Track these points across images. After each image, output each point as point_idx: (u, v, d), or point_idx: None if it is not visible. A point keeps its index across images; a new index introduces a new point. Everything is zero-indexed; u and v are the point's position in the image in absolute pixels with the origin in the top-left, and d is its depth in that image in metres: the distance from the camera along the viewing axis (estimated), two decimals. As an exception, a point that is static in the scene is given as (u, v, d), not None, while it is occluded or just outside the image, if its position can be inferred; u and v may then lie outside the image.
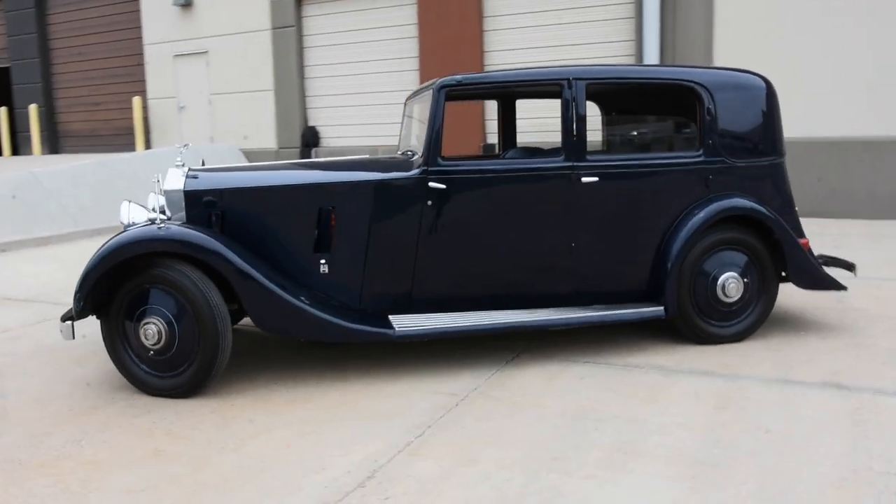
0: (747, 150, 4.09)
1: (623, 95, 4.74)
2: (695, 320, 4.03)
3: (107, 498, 2.57)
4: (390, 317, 3.82)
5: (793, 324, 4.46)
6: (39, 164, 11.15)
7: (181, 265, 3.43)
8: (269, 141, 13.50)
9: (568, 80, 3.83)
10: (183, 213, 3.84)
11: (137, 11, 14.39)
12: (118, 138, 15.09)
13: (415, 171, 3.79)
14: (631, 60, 10.25)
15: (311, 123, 13.29)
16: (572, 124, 3.84)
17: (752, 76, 4.19)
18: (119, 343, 3.55)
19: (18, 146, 16.26)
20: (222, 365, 3.49)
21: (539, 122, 11.26)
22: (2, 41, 16.35)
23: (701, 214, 3.94)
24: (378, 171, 3.89)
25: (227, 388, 3.63)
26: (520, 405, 3.31)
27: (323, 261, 3.84)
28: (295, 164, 4.42)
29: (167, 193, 3.89)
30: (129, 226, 3.64)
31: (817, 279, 4.17)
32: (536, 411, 3.23)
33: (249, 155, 13.43)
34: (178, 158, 4.03)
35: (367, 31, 12.38)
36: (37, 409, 3.46)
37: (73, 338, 3.50)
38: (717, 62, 9.65)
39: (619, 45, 10.44)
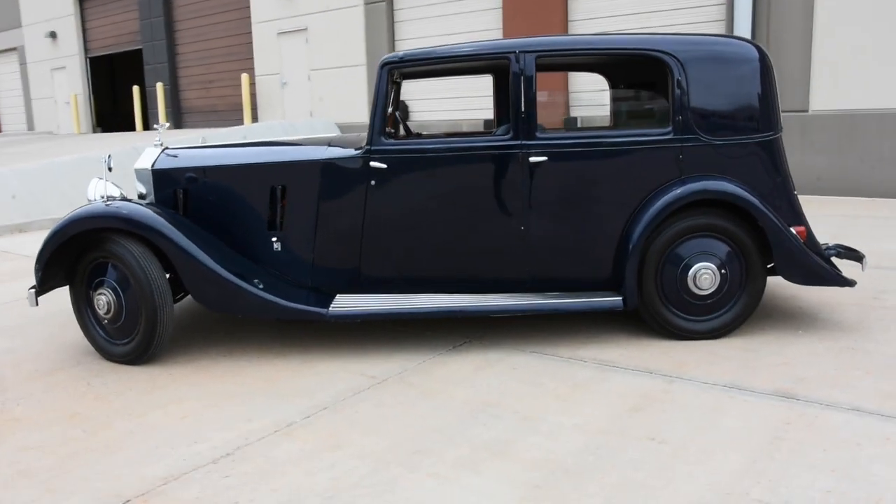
0: (728, 126, 3.66)
1: (593, 69, 4.39)
2: (662, 313, 3.70)
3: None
4: (337, 296, 3.83)
5: (799, 320, 3.99)
6: (149, 139, 12.10)
7: (127, 240, 3.61)
8: (362, 115, 13.78)
9: (515, 52, 3.60)
10: (152, 191, 4.04)
11: (247, -8, 15.11)
12: (232, 113, 16.02)
13: (358, 151, 3.74)
14: (721, 26, 9.46)
15: (400, 98, 13.40)
16: (520, 100, 3.61)
17: (740, 44, 3.73)
18: (83, 311, 3.82)
19: (148, 122, 17.70)
20: (164, 336, 3.66)
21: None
22: (136, 25, 17.77)
23: (665, 197, 3.59)
24: (329, 150, 3.87)
25: (179, 358, 3.80)
26: (429, 393, 3.22)
27: (275, 239, 3.90)
28: (264, 142, 4.48)
29: (137, 171, 4.10)
30: (109, 197, 3.87)
31: (811, 273, 3.69)
32: (440, 401, 3.12)
33: (346, 128, 13.79)
34: (157, 138, 4.23)
35: (453, 3, 12.27)
36: (10, 367, 3.80)
37: (37, 304, 3.80)
38: (820, 24, 8.71)
39: (709, 10, 9.64)
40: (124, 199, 3.90)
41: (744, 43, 3.74)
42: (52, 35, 19.77)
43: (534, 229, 3.69)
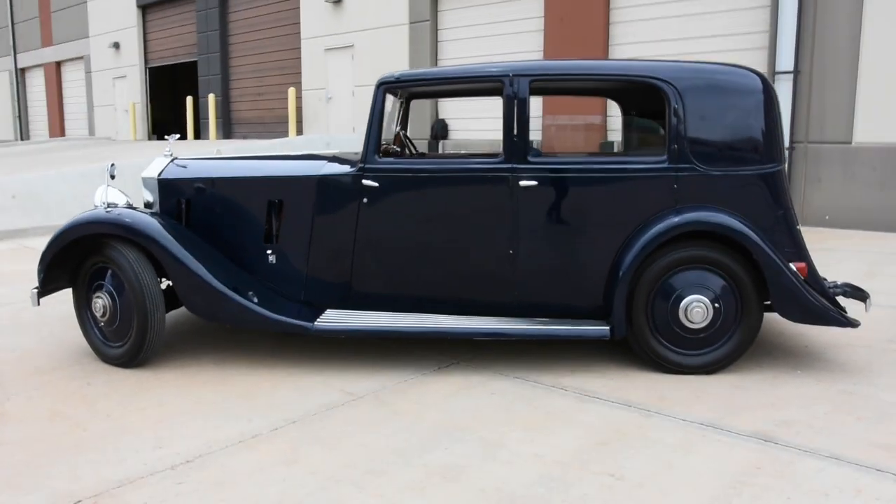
0: (727, 157, 3.56)
1: (592, 94, 4.32)
2: (652, 345, 3.61)
3: (-25, 447, 2.89)
4: (327, 311, 3.86)
5: (800, 359, 3.84)
6: (199, 147, 12.46)
7: (124, 247, 3.71)
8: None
9: (508, 76, 3.58)
10: (158, 200, 4.15)
11: (298, 8, 15.49)
12: (278, 125, 16.38)
13: (352, 168, 3.78)
14: (764, 53, 9.27)
15: (441, 116, 13.50)
16: (512, 123, 3.59)
17: (743, 73, 3.64)
18: (83, 313, 3.94)
19: (200, 131, 18.24)
20: (154, 341, 3.73)
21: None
22: (193, 38, 18.38)
23: (657, 227, 3.51)
24: (325, 166, 3.92)
25: (171, 363, 3.87)
26: (400, 413, 3.20)
27: (270, 251, 3.96)
28: (271, 156, 4.57)
29: (144, 180, 4.23)
30: (110, 204, 3.98)
31: (810, 312, 3.54)
32: (409, 422, 3.10)
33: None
34: (167, 149, 4.35)
35: (495, 24, 12.33)
36: (12, 365, 3.94)
37: (38, 304, 3.93)
38: (866, 55, 8.45)
39: (753, 38, 9.46)
40: (129, 206, 4.02)
41: (747, 72, 3.65)
42: (116, 46, 20.61)
43: (523, 254, 3.65)
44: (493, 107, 12.88)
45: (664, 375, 3.62)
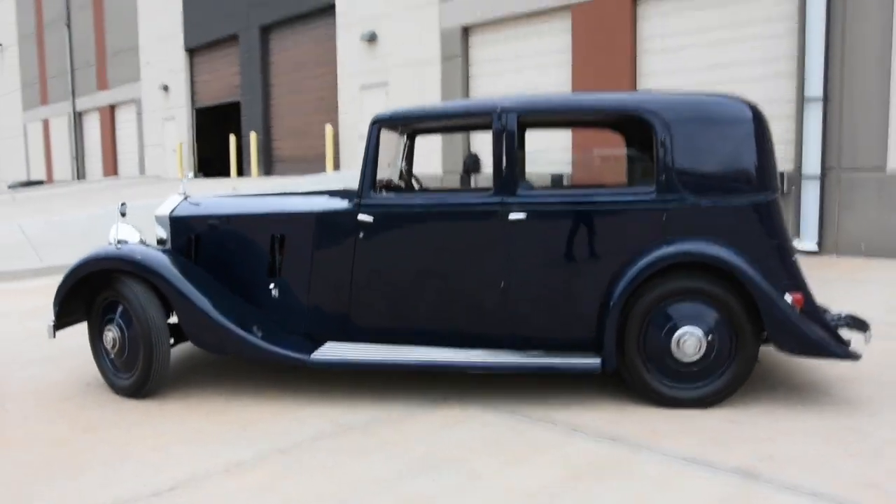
0: (717, 188, 3.56)
1: (584, 127, 4.36)
2: (645, 378, 3.59)
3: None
4: (328, 343, 3.95)
5: (805, 393, 3.76)
6: (246, 183, 12.87)
7: (133, 282, 3.89)
8: (435, 166, 14.11)
9: (497, 111, 3.67)
10: (169, 237, 4.34)
11: (335, 48, 15.96)
12: (318, 162, 16.78)
13: (349, 204, 3.89)
14: (793, 80, 9.16)
15: (473, 150, 13.65)
16: (501, 158, 3.66)
17: (732, 103, 3.65)
18: (96, 344, 4.11)
19: (242, 169, 18.81)
20: (159, 373, 3.88)
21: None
22: (237, 79, 19.07)
23: (645, 259, 3.51)
24: (325, 202, 4.04)
25: (177, 394, 4.01)
26: (387, 445, 3.25)
27: (273, 285, 4.08)
28: (281, 193, 4.73)
29: (158, 218, 4.43)
30: (120, 241, 4.17)
31: (807, 343, 3.48)
32: (393, 453, 3.15)
33: (424, 178, 14.14)
34: (181, 188, 4.55)
35: (524, 58, 12.49)
36: (30, 394, 4.13)
37: (54, 337, 4.12)
38: (897, 80, 8.27)
39: (780, 64, 9.37)
40: (142, 243, 4.21)
41: (737, 102, 3.65)
42: (165, 88, 21.50)
43: (514, 287, 3.69)
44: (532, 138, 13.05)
45: (658, 409, 3.58)
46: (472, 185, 13.38)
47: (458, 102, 3.92)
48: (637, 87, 10.90)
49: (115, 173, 25.00)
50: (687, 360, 3.54)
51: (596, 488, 2.76)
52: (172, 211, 4.37)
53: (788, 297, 3.50)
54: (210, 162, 21.13)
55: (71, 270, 3.97)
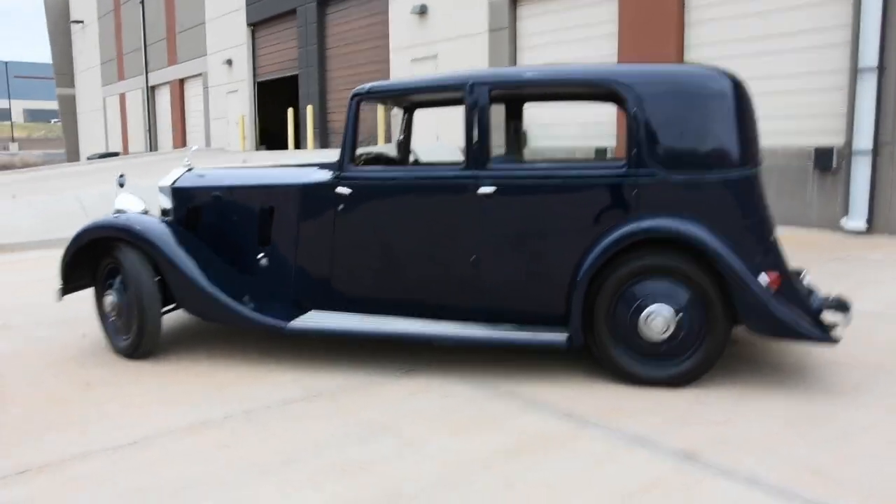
0: (690, 162, 3.45)
1: (559, 100, 4.26)
2: (613, 355, 3.56)
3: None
4: (311, 312, 4.08)
5: (788, 376, 3.64)
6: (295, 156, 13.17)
7: (128, 249, 4.09)
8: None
9: (468, 85, 3.65)
10: (171, 208, 4.54)
11: (387, 21, 16.03)
12: (369, 135, 16.96)
13: (329, 177, 3.97)
14: (846, 50, 8.67)
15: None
16: (472, 131, 3.65)
17: (710, 74, 3.51)
18: (101, 307, 4.36)
19: (300, 141, 19.20)
20: (150, 335, 4.08)
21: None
22: (295, 52, 19.40)
23: (613, 235, 3.46)
24: (309, 175, 4.13)
25: (172, 357, 4.21)
26: (346, 411, 3.35)
27: (262, 255, 4.23)
28: (282, 165, 4.85)
29: (161, 189, 4.63)
30: (117, 211, 4.41)
31: (780, 326, 3.37)
32: (349, 419, 3.25)
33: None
34: (186, 159, 4.74)
35: (570, 30, 12.24)
36: (43, 353, 4.43)
37: (61, 300, 4.39)
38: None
39: (833, 33, 8.88)
40: (145, 212, 4.42)
41: (714, 73, 3.51)
42: (229, 62, 22.09)
43: (485, 260, 3.70)
44: (571, 115, 12.79)
45: (627, 388, 3.55)
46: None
47: (432, 76, 3.92)
48: (684, 58, 10.55)
49: (183, 145, 25.93)
50: (655, 338, 3.49)
51: (529, 462, 2.78)
52: (174, 182, 4.56)
53: (764, 277, 3.39)
54: (271, 135, 21.65)
55: (73, 239, 4.21)
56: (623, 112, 3.49)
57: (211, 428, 3.18)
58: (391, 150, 5.21)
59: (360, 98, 3.92)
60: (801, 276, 4.23)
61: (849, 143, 8.71)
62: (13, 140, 49.53)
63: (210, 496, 2.55)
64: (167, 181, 4.59)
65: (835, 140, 8.86)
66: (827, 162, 8.88)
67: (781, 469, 2.68)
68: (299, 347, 4.27)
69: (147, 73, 27.99)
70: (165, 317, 4.50)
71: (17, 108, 79.64)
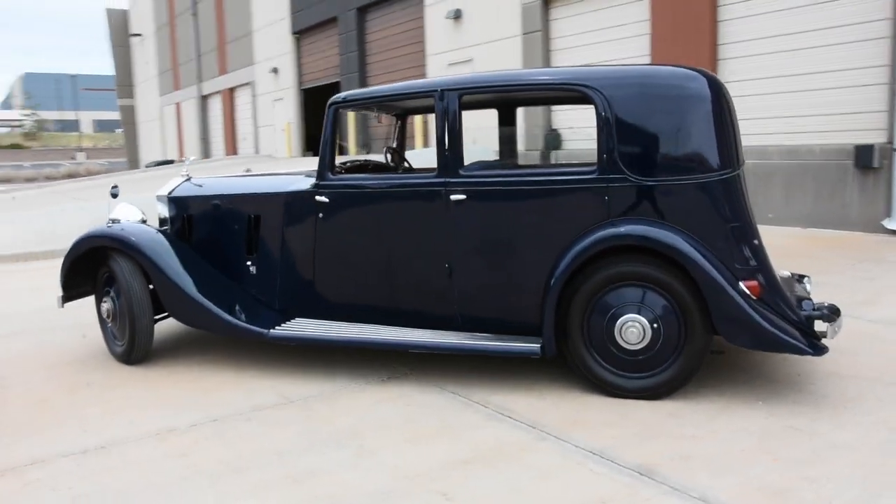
0: (663, 166, 3.33)
1: (532, 104, 4.15)
2: (588, 364, 3.46)
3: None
4: (296, 319, 4.11)
5: (775, 388, 3.48)
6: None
7: (121, 257, 4.20)
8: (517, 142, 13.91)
9: (438, 91, 3.61)
10: (168, 216, 4.64)
11: (423, 27, 16.10)
12: (409, 140, 17.05)
13: (309, 186, 4.00)
14: (885, 45, 8.26)
15: (553, 126, 13.38)
16: (444, 137, 3.61)
17: (685, 75, 3.37)
18: (99, 314, 4.49)
19: (342, 148, 19.45)
20: (143, 342, 4.18)
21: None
22: (337, 59, 19.67)
23: (584, 242, 3.37)
24: (292, 184, 4.17)
25: (166, 361, 4.31)
26: (316, 419, 3.36)
27: (250, 263, 4.28)
28: (275, 174, 4.90)
29: (158, 198, 4.74)
30: (112, 220, 4.53)
31: (759, 336, 3.21)
32: (316, 426, 3.25)
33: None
34: (184, 170, 4.85)
35: (603, 31, 12.03)
36: (37, 358, 4.58)
37: (62, 307, 4.53)
38: None
39: (872, 27, 8.47)
40: (143, 222, 4.54)
41: (691, 73, 3.38)
42: (275, 70, 22.55)
43: (458, 268, 3.66)
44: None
45: (602, 399, 3.45)
46: (552, 161, 13.13)
47: (404, 83, 3.89)
48: (717, 56, 10.25)
49: (234, 152, 26.60)
50: (630, 348, 3.38)
51: (478, 474, 2.73)
52: (171, 192, 4.66)
53: (742, 286, 3.25)
54: (318, 141, 21.97)
55: (71, 248, 4.35)
56: (595, 115, 3.40)
57: (177, 435, 3.23)
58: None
59: (337, 106, 3.93)
60: (802, 281, 4.05)
61: (891, 140, 8.30)
62: (80, 150, 51.82)
63: (149, 502, 2.58)
64: (164, 190, 4.70)
65: (876, 138, 8.45)
66: (868, 160, 8.48)
67: (735, 489, 2.56)
68: (287, 354, 4.30)
69: (200, 82, 28.82)
70: (168, 324, 4.61)
71: (87, 119, 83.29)
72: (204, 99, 29.11)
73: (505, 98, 4.35)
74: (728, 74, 10.11)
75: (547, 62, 13.28)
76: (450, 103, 3.60)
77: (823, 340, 3.29)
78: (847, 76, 8.79)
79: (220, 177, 4.88)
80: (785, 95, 9.45)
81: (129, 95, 37.50)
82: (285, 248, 4.14)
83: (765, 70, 9.63)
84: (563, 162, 4.03)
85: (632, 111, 3.33)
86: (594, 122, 3.38)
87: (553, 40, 13.15)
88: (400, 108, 4.58)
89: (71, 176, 34.54)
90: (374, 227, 3.84)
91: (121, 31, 36.68)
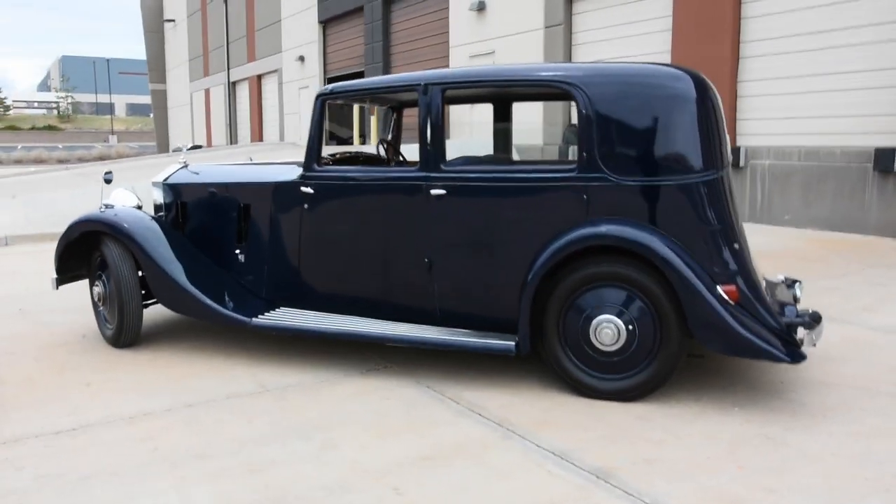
0: (644, 167, 3.27)
1: (515, 100, 4.10)
2: (564, 364, 3.43)
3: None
4: (280, 308, 4.14)
5: (755, 395, 3.41)
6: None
7: (112, 242, 4.26)
8: (536, 138, 13.85)
9: (422, 85, 3.59)
10: (163, 203, 4.70)
11: (447, 18, 16.04)
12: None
13: (295, 176, 4.01)
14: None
15: (573, 122, 13.25)
16: (426, 132, 3.59)
17: (670, 74, 3.31)
18: (92, 297, 4.57)
19: (366, 136, 19.50)
20: (131, 326, 4.24)
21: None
22: (361, 49, 19.69)
23: (561, 241, 3.33)
24: (279, 174, 4.18)
25: (156, 346, 4.36)
26: (287, 409, 3.37)
27: (238, 251, 4.32)
28: (268, 163, 4.93)
29: (154, 184, 4.79)
30: (106, 205, 4.60)
31: (735, 342, 3.15)
32: (284, 417, 3.27)
33: (522, 150, 13.97)
34: (182, 157, 4.89)
35: (625, 26, 11.87)
36: (44, 336, 4.68)
37: (57, 289, 4.61)
38: None
39: (899, 26, 8.24)
40: (139, 208, 4.59)
41: (676, 73, 3.31)
42: (301, 59, 22.66)
43: (438, 263, 3.65)
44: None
45: (576, 399, 3.42)
46: (570, 157, 13.03)
47: (389, 77, 3.88)
48: (739, 54, 10.05)
49: (260, 139, 26.82)
50: (605, 349, 3.34)
51: (436, 471, 2.72)
52: (167, 178, 4.71)
53: (720, 290, 3.19)
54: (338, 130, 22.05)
55: (64, 232, 4.42)
56: (576, 113, 3.35)
57: (150, 419, 3.27)
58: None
59: (324, 98, 3.94)
60: (793, 286, 3.96)
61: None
62: (112, 133, 52.73)
63: (105, 487, 2.62)
64: (160, 177, 4.75)
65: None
66: (888, 163, 8.28)
67: (691, 497, 2.51)
68: (275, 344, 4.33)
69: (229, 69, 29.08)
70: (161, 310, 4.65)
71: (121, 102, 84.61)
72: (232, 85, 29.37)
73: (490, 94, 4.31)
74: (749, 73, 9.93)
75: (568, 56, 13.15)
76: (433, 98, 3.58)
77: (803, 348, 3.21)
78: (871, 77, 8.57)
79: (217, 165, 4.92)
80: (807, 96, 9.25)
81: (161, 80, 37.99)
82: (272, 238, 4.16)
83: (787, 69, 9.43)
84: (547, 159, 3.93)
85: (614, 110, 3.28)
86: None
87: (575, 34, 13.01)
88: (393, 100, 4.57)
89: (102, 158, 35.16)
90: (357, 219, 3.84)
91: (155, 16, 37.13)
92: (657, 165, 3.27)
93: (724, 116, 3.44)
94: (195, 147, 29.08)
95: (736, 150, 9.95)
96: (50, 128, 63.98)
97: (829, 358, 4.00)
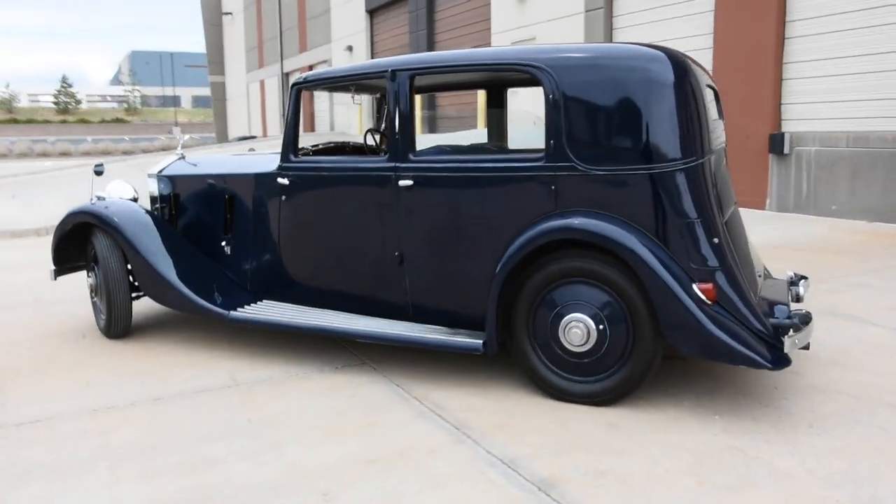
0: (616, 154, 3.06)
1: (486, 86, 3.88)
2: (534, 364, 3.27)
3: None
4: (263, 301, 4.10)
5: (741, 402, 3.18)
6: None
7: (103, 234, 4.30)
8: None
9: (389, 71, 3.45)
10: (157, 194, 4.72)
11: (489, 5, 15.80)
12: (473, 119, 16.86)
13: (273, 167, 3.95)
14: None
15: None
16: (395, 120, 3.46)
17: (646, 54, 3.06)
18: (88, 288, 4.63)
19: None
20: (120, 317, 4.28)
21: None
22: (406, 38, 19.60)
23: (527, 234, 3.16)
24: (260, 165, 4.13)
25: (147, 338, 4.40)
26: (250, 404, 3.33)
27: (224, 243, 4.30)
28: (256, 154, 4.89)
29: (150, 175, 4.82)
30: (98, 197, 4.64)
31: (710, 345, 2.92)
32: (246, 413, 3.23)
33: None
34: (179, 147, 4.91)
35: (666, 8, 11.41)
36: (45, 326, 4.78)
37: (55, 279, 4.68)
38: None
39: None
40: (134, 200, 4.63)
41: (652, 53, 3.06)
42: (350, 48, 22.75)
43: (407, 256, 3.53)
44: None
45: (544, 402, 3.25)
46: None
47: (360, 64, 3.76)
48: (784, 34, 9.51)
49: (311, 129, 27.11)
50: (574, 350, 3.16)
51: (373, 476, 2.61)
52: (162, 170, 4.73)
53: (695, 288, 2.97)
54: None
55: (59, 223, 4.48)
56: (543, 98, 3.16)
57: (112, 413, 3.27)
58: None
59: (299, 87, 3.85)
60: (798, 284, 3.68)
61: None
62: (176, 124, 54.38)
63: (40, 483, 2.62)
64: (156, 168, 4.77)
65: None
66: (944, 151, 7.69)
67: (633, 513, 2.34)
68: (265, 337, 4.29)
69: (282, 60, 29.48)
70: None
71: (187, 94, 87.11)
72: (286, 76, 29.77)
73: (464, 80, 4.15)
74: (794, 54, 9.39)
75: (609, 40, 12.75)
76: (401, 84, 3.45)
77: (787, 351, 2.96)
78: (927, 56, 7.98)
79: (212, 156, 4.91)
80: (856, 77, 8.68)
81: (220, 72, 38.83)
82: (254, 230, 4.12)
83: (834, 49, 8.87)
84: (521, 149, 3.73)
85: (582, 94, 3.08)
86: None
87: (616, 18, 12.60)
88: (379, 88, 4.45)
89: (164, 150, 36.21)
90: (330, 210, 3.75)
91: (213, 9, 37.94)
92: (630, 153, 3.05)
93: (710, 98, 3.19)
94: (247, 138, 29.64)
95: (780, 137, 9.45)
96: (118, 120, 66.44)
97: (836, 362, 3.71)
